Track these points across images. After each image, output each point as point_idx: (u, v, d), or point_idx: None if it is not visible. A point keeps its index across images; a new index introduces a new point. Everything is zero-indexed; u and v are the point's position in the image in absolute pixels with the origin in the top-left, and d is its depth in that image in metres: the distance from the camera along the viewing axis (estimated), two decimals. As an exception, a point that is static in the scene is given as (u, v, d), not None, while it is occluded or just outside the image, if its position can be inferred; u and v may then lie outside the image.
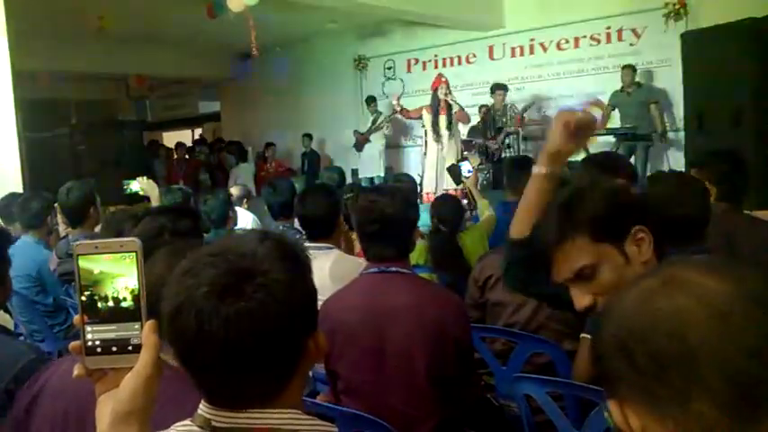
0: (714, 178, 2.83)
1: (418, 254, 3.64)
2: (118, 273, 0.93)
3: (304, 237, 3.72)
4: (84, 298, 0.93)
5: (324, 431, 1.00)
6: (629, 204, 1.42)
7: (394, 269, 2.06)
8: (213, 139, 13.83)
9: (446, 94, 8.43)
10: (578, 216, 1.36)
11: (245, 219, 4.83)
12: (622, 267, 1.35)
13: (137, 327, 0.94)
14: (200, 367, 0.96)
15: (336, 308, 2.10)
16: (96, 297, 0.93)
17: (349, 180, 8.73)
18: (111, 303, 0.93)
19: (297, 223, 4.26)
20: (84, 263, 0.93)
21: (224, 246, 0.99)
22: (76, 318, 0.94)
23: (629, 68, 7.77)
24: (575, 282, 1.38)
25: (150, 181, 4.30)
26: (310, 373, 2.81)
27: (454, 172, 5.06)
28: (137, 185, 4.30)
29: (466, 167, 4.81)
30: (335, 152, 11.52)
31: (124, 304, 0.93)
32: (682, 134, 7.00)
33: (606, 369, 0.78)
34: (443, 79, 8.59)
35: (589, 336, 2.00)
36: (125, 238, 0.95)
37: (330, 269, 2.76)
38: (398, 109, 9.29)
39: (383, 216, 2.05)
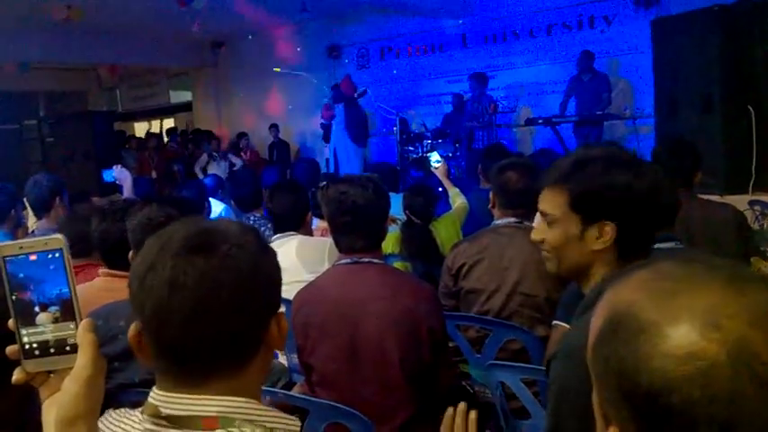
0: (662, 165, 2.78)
1: (392, 243, 3.64)
2: (46, 272, 0.90)
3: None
4: (15, 301, 0.90)
5: (283, 422, 0.94)
6: (614, 199, 1.42)
7: (366, 260, 2.05)
8: (184, 128, 13.67)
9: None
10: (574, 180, 1.45)
11: (218, 209, 4.84)
12: (572, 239, 1.45)
13: (72, 326, 0.91)
14: (165, 328, 0.90)
15: (309, 300, 2.10)
16: (27, 299, 0.90)
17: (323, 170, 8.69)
18: (42, 304, 0.90)
19: (266, 212, 4.28)
20: (11, 265, 0.89)
21: (191, 220, 0.99)
22: (10, 321, 0.90)
23: (586, 54, 7.80)
24: (542, 217, 1.53)
25: (124, 169, 4.30)
26: (286, 364, 2.81)
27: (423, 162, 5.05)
28: (118, 171, 4.30)
29: (434, 158, 4.79)
30: (310, 142, 11.46)
31: (57, 304, 0.90)
32: (652, 121, 7.07)
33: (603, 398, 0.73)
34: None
35: (561, 323, 2.01)
36: (49, 236, 0.91)
37: (296, 250, 2.87)
38: None
39: (354, 207, 2.04)
